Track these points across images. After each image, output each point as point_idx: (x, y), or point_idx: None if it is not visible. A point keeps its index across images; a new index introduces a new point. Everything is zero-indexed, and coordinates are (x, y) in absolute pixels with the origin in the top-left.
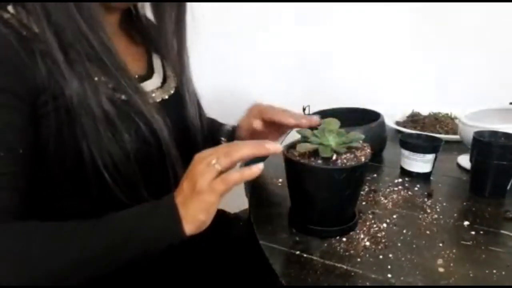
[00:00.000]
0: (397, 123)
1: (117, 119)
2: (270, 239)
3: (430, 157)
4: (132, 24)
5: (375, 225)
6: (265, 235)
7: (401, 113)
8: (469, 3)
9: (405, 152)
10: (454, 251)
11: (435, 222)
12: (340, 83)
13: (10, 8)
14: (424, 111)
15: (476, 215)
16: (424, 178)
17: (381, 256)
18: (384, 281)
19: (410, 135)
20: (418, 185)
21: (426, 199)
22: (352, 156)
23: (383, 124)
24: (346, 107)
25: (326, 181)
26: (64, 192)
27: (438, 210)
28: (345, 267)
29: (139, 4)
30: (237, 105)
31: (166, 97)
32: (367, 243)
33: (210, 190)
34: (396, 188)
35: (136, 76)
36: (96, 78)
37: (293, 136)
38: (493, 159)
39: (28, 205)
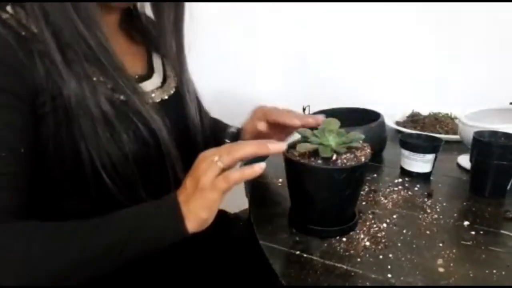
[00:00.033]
0: (397, 123)
1: (115, 120)
2: (270, 239)
3: (430, 157)
4: (132, 23)
5: (375, 225)
6: (265, 235)
7: (401, 113)
8: (469, 3)
9: (405, 152)
10: (454, 251)
11: (435, 222)
12: (340, 83)
13: (8, 8)
14: (424, 111)
15: (476, 215)
16: (424, 178)
17: (381, 256)
18: (384, 281)
19: (410, 135)
20: (418, 185)
21: (426, 199)
22: (352, 156)
23: (383, 124)
24: (346, 107)
25: (326, 181)
26: (64, 192)
27: (438, 210)
28: (345, 267)
29: (139, 3)
30: (237, 105)
31: (166, 97)
32: (367, 243)
33: (212, 187)
34: (396, 188)
35: (136, 76)
36: (94, 78)
37: (293, 136)
38: (493, 159)
39: (28, 205)
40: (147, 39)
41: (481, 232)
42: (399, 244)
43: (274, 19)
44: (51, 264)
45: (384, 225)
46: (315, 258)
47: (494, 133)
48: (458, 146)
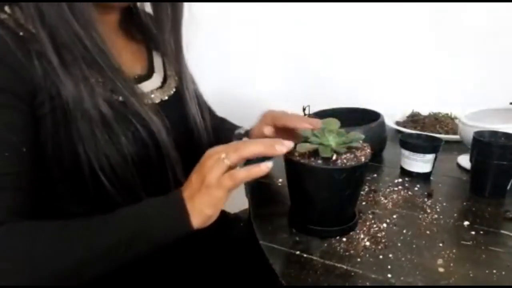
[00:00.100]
0: (397, 123)
1: (113, 121)
2: (270, 239)
3: (430, 157)
4: (132, 21)
5: (375, 225)
6: (265, 235)
7: (401, 113)
8: (469, 3)
9: (405, 152)
10: (454, 251)
11: (435, 222)
12: (340, 83)
13: (6, 8)
14: (424, 111)
15: (476, 215)
16: (424, 178)
17: (381, 256)
18: (384, 281)
19: (410, 135)
20: (418, 185)
21: (426, 199)
22: (352, 156)
23: (383, 124)
24: (346, 107)
25: (326, 181)
26: (63, 193)
27: (438, 210)
28: (345, 267)
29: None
30: (237, 105)
31: (166, 97)
32: (367, 243)
33: (218, 185)
34: (396, 188)
35: (136, 77)
36: (92, 80)
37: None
38: (493, 159)
39: (32, 205)
40: (147, 38)
41: (481, 232)
42: (399, 244)
43: (274, 19)
44: (56, 263)
45: (384, 225)
46: (315, 258)
47: (494, 133)
48: (458, 146)
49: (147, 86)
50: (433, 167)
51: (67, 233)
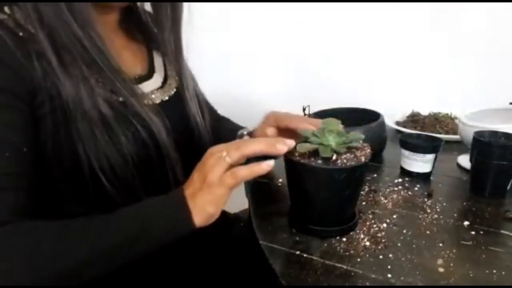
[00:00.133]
0: (397, 123)
1: (113, 122)
2: (270, 239)
3: (430, 157)
4: (132, 21)
5: (375, 225)
6: (265, 235)
7: (401, 113)
8: (469, 3)
9: (405, 152)
10: (454, 251)
11: (435, 222)
12: (340, 83)
13: (6, 8)
14: (424, 111)
15: (476, 215)
16: (424, 178)
17: (381, 256)
18: (384, 281)
19: (410, 135)
20: (418, 185)
21: (426, 199)
22: (352, 156)
23: (383, 124)
24: (346, 107)
25: (326, 181)
26: (63, 193)
27: (438, 210)
28: (345, 267)
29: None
30: (237, 105)
31: (166, 98)
32: (367, 243)
33: (220, 183)
34: (396, 188)
35: (136, 77)
36: (92, 80)
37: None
38: (493, 159)
39: (34, 205)
40: (148, 37)
41: (481, 232)
42: (399, 244)
43: (274, 19)
44: (57, 263)
45: (384, 225)
46: (315, 258)
47: (494, 133)
48: (458, 146)
49: (148, 86)
50: (433, 167)
51: (68, 233)
